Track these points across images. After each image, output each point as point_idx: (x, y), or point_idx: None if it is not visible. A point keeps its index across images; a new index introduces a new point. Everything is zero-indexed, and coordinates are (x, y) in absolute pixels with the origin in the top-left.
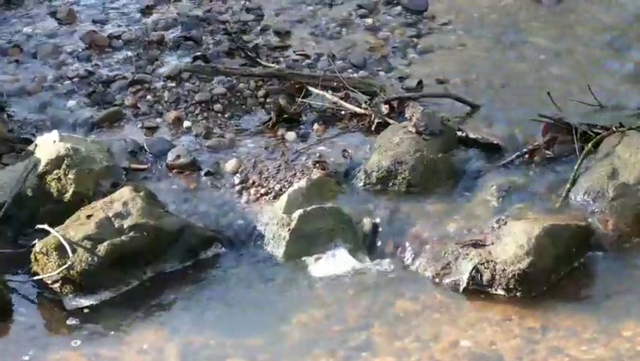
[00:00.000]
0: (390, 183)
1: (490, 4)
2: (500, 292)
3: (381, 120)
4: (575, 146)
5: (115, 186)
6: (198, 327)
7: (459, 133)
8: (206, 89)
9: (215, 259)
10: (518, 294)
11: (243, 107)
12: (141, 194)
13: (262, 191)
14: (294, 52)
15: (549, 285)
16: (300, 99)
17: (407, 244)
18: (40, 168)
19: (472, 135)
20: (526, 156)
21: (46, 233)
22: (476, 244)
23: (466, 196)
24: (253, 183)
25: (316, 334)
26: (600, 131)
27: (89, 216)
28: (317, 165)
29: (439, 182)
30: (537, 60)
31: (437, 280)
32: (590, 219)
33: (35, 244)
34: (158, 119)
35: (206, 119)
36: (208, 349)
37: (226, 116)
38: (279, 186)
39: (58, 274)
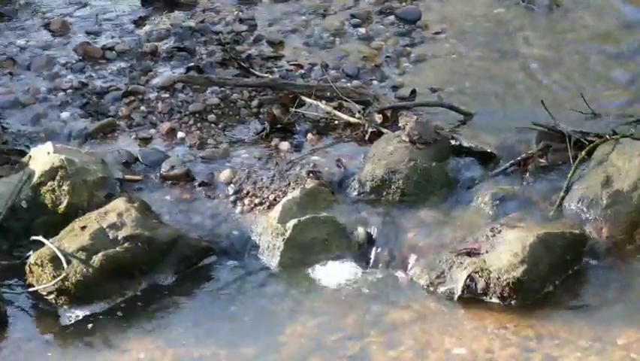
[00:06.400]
0: (384, 193)
1: (483, 13)
2: (495, 300)
3: (374, 130)
4: (568, 154)
5: (109, 197)
6: (193, 337)
7: (453, 142)
8: (199, 100)
9: (209, 270)
10: (513, 302)
11: (237, 117)
12: (135, 205)
13: (256, 201)
14: (288, 62)
15: (544, 293)
16: (293, 109)
17: (401, 253)
18: (35, 179)
19: (465, 144)
20: (520, 164)
21: (41, 244)
22: (470, 253)
23: (460, 205)
24: (247, 193)
25: (311, 343)
26: (594, 139)
27: (83, 228)
28: (311, 174)
29: (432, 191)
30: (530, 68)
31: (432, 288)
32: (584, 227)
33: (30, 255)
34: (152, 130)
35: (200, 130)
36: (203, 359)
37: (220, 126)
38: (273, 196)
39: (53, 285)
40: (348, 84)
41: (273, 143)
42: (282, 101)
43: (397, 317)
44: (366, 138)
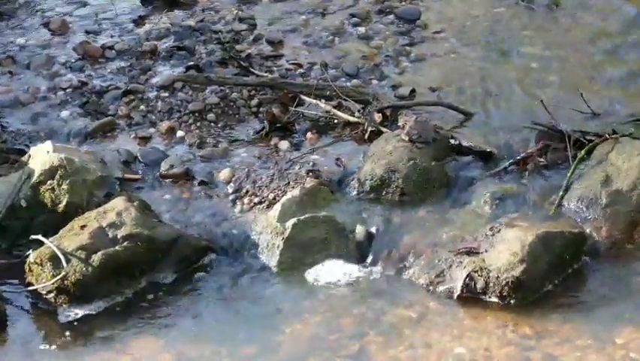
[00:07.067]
0: (384, 192)
1: (483, 12)
2: (494, 299)
3: (374, 129)
4: (568, 153)
5: (108, 196)
6: (193, 337)
7: (452, 141)
8: (199, 99)
9: (209, 269)
10: (512, 301)
11: (237, 116)
12: (135, 204)
13: (256, 200)
14: (287, 61)
15: (543, 292)
16: (293, 108)
17: (401, 253)
18: (34, 178)
19: (465, 143)
20: (520, 163)
21: (41, 243)
22: (470, 252)
23: (459, 204)
24: (247, 192)
25: (310, 343)
26: (593, 139)
27: (82, 227)
28: (310, 173)
29: (432, 190)
30: (530, 68)
31: (431, 287)
32: (583, 227)
33: (29, 254)
34: (152, 129)
35: (200, 129)
36: (203, 359)
37: (219, 125)
38: (272, 195)
39: (53, 284)
40: (348, 83)
41: (272, 142)
42: (282, 100)
43: (397, 316)
44: (366, 137)
